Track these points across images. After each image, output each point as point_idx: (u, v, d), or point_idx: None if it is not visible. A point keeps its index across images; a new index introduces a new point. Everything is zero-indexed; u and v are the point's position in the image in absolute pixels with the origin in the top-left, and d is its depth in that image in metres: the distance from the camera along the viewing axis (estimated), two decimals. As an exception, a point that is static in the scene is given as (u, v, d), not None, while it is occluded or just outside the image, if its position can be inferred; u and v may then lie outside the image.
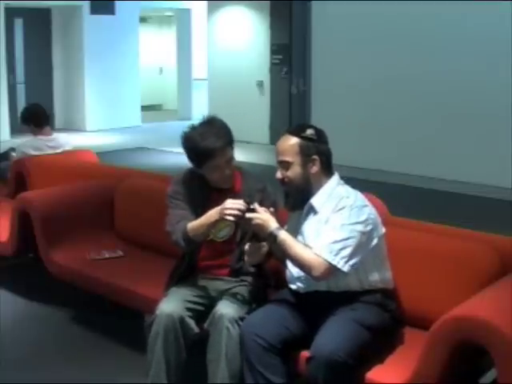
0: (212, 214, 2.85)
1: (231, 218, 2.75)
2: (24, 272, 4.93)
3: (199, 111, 14.00)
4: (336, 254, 2.61)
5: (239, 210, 2.72)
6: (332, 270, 2.63)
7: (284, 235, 2.69)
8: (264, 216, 2.70)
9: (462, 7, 8.18)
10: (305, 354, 2.63)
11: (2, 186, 5.45)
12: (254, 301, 2.95)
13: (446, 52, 8.50)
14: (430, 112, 8.76)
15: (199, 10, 14.37)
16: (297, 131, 2.79)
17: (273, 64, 11.32)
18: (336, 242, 2.62)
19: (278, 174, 2.80)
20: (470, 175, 8.22)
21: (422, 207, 6.85)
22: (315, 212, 2.78)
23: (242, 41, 11.97)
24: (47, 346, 3.80)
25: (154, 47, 17.29)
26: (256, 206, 2.73)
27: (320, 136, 2.79)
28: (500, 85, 7.94)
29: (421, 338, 2.53)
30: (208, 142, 2.91)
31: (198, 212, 2.99)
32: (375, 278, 2.76)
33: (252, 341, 2.66)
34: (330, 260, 2.61)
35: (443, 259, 2.88)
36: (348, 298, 2.72)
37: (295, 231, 2.83)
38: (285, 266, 2.92)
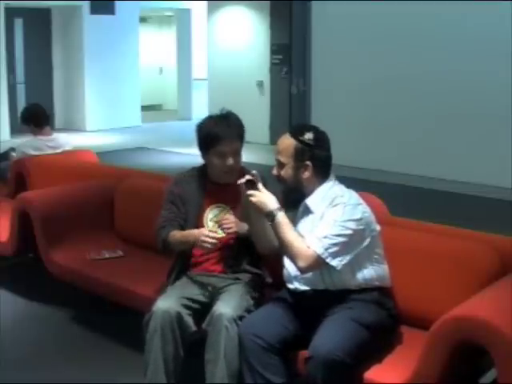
0: (191, 234, 3.00)
1: (208, 246, 2.88)
2: (24, 272, 4.93)
3: (199, 111, 14.04)
4: (326, 249, 2.63)
5: (215, 238, 2.86)
6: (319, 263, 2.64)
7: (282, 218, 2.70)
8: (266, 195, 2.73)
9: (462, 7, 8.17)
10: (303, 353, 2.62)
11: (2, 186, 5.45)
12: (252, 299, 2.96)
13: (445, 52, 8.50)
14: (429, 112, 8.76)
15: (199, 10, 14.38)
16: (296, 133, 2.79)
17: (273, 64, 11.32)
18: (327, 237, 2.63)
19: (274, 171, 2.85)
20: (470, 175, 8.22)
21: (422, 207, 6.85)
22: (310, 212, 2.80)
23: (242, 41, 11.97)
24: (47, 346, 3.80)
25: (154, 47, 17.29)
26: (260, 186, 2.75)
27: (318, 141, 2.78)
28: (500, 85, 7.94)
29: (420, 337, 2.53)
30: (218, 128, 3.05)
31: (194, 209, 3.10)
32: (372, 275, 2.77)
33: (251, 341, 2.66)
34: (319, 253, 2.62)
35: (443, 259, 2.88)
36: (345, 296, 2.73)
37: None
38: (282, 265, 2.92)
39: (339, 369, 2.44)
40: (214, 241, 2.86)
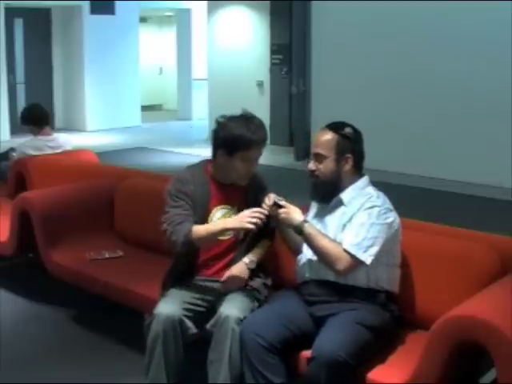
0: (222, 222, 2.92)
1: (252, 226, 2.79)
2: (24, 272, 4.93)
3: (199, 111, 14.04)
4: (365, 251, 2.69)
5: (260, 217, 2.78)
6: (356, 265, 2.70)
7: (309, 228, 2.76)
8: (291, 210, 2.78)
9: (463, 6, 8.17)
10: (305, 354, 2.64)
11: (2, 186, 5.45)
12: (257, 301, 2.96)
13: (445, 52, 8.50)
14: (430, 112, 8.75)
15: (199, 10, 14.37)
16: (337, 128, 2.86)
17: (273, 64, 11.32)
18: (365, 239, 2.70)
19: (311, 165, 2.87)
20: (470, 175, 8.21)
21: (422, 207, 6.84)
22: (342, 204, 2.85)
23: (242, 41, 11.96)
24: (47, 346, 3.80)
25: (154, 47, 17.29)
26: (284, 202, 2.80)
27: (357, 136, 2.87)
28: (500, 85, 7.94)
29: (421, 338, 2.54)
30: (251, 133, 2.92)
31: (201, 210, 3.01)
32: (383, 277, 2.79)
33: (252, 340, 2.67)
34: (358, 256, 2.68)
35: (443, 259, 2.88)
36: (351, 293, 2.75)
37: (317, 222, 2.88)
38: (298, 252, 2.95)
39: (342, 369, 2.45)
40: (258, 220, 2.77)
